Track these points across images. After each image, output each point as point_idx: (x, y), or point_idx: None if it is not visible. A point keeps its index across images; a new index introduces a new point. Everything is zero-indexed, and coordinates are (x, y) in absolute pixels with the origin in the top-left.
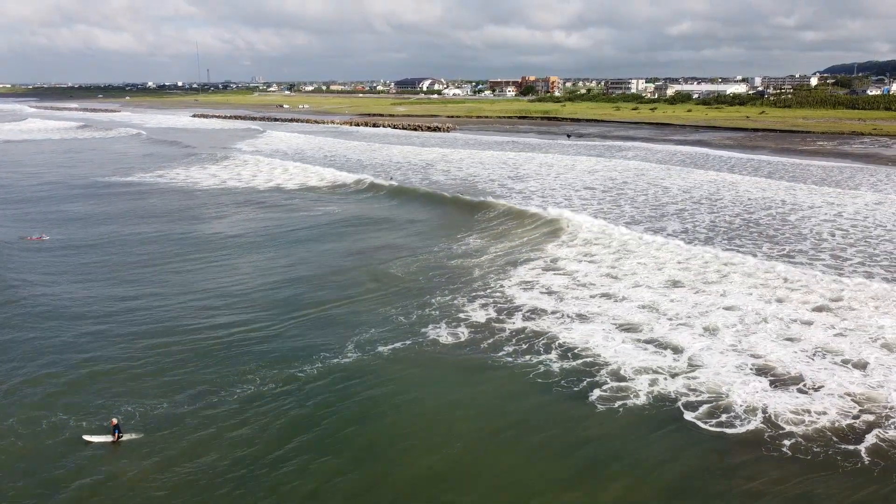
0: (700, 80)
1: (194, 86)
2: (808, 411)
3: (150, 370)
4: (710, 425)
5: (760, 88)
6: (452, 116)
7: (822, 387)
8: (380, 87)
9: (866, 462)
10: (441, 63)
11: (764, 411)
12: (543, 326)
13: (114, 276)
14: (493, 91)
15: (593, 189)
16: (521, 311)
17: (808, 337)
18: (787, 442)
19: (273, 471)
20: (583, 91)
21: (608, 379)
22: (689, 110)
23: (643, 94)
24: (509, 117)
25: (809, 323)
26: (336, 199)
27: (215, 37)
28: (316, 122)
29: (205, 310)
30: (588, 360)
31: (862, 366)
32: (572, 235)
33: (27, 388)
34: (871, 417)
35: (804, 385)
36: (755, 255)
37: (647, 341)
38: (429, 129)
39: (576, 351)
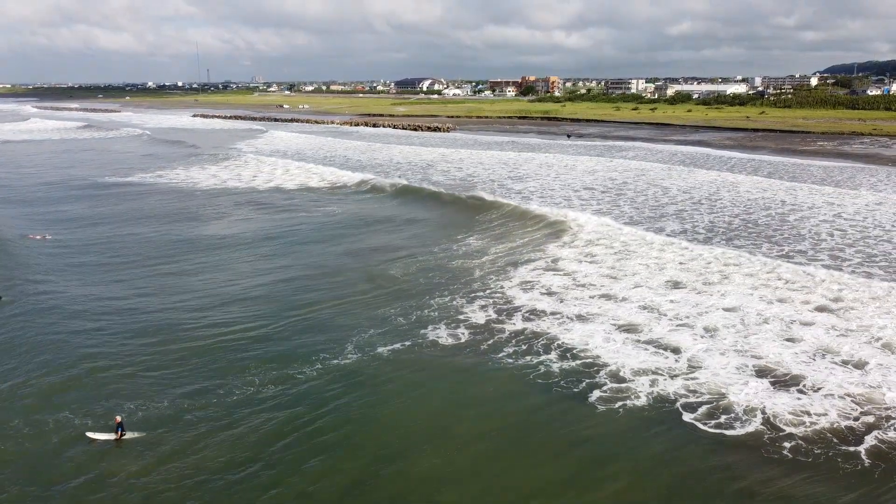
0: (700, 80)
1: (194, 86)
2: (808, 412)
3: (151, 369)
4: (710, 426)
5: (760, 88)
6: (452, 116)
7: (822, 388)
8: (380, 88)
9: (867, 464)
10: (441, 63)
11: (764, 412)
12: (543, 327)
13: (116, 276)
14: (493, 91)
15: (593, 189)
16: (520, 311)
17: (809, 337)
18: (786, 443)
19: (272, 470)
20: (583, 91)
21: (607, 380)
22: (689, 110)
23: (643, 95)
24: (509, 117)
25: (809, 323)
26: (336, 200)
27: (215, 37)
28: (316, 122)
29: (205, 309)
30: (587, 360)
31: (862, 366)
32: (574, 235)
33: (30, 384)
34: (870, 419)
35: (804, 386)
36: (755, 256)
37: (648, 342)
38: (429, 129)
39: (574, 351)
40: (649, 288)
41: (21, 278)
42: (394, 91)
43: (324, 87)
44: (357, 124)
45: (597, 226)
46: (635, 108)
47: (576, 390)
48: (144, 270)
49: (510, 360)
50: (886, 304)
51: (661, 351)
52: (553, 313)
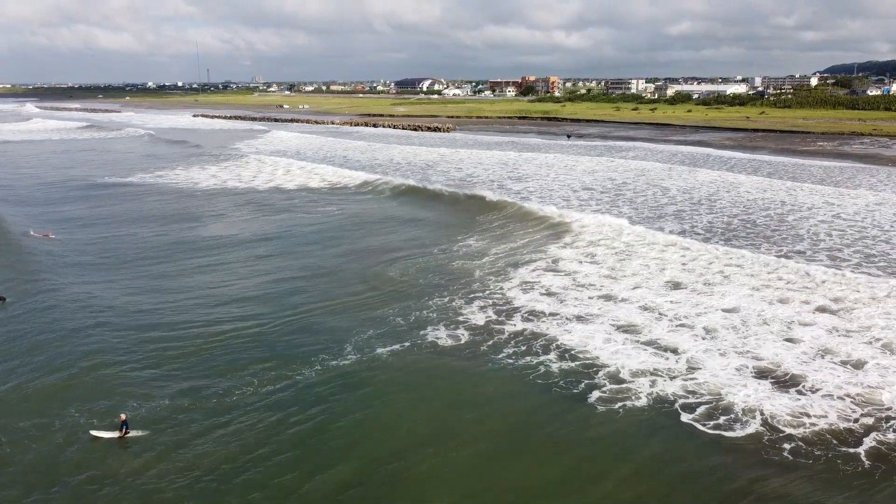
0: (700, 81)
1: (194, 86)
2: (808, 414)
3: (152, 368)
4: (709, 427)
5: (760, 88)
6: (452, 117)
7: (822, 389)
8: (380, 88)
9: (866, 465)
10: (441, 63)
11: (763, 413)
12: (543, 328)
13: (118, 275)
14: (493, 91)
15: (592, 189)
16: (519, 312)
17: (809, 338)
18: (786, 445)
19: (273, 470)
20: (583, 91)
21: (606, 381)
22: (689, 110)
23: (643, 95)
24: (509, 118)
25: (809, 324)
26: (336, 200)
27: (215, 37)
28: (316, 122)
29: (205, 308)
30: (586, 361)
31: (861, 367)
32: (575, 236)
33: (34, 383)
34: (870, 420)
35: (804, 387)
36: (756, 257)
37: (647, 343)
38: (429, 129)
39: (573, 352)
40: (649, 289)
41: (23, 277)
42: (394, 91)
43: (324, 88)
44: (357, 124)
45: (598, 226)
46: (635, 109)
47: (575, 391)
48: (146, 270)
49: (510, 361)
50: (887, 306)
51: (660, 352)
52: (552, 314)
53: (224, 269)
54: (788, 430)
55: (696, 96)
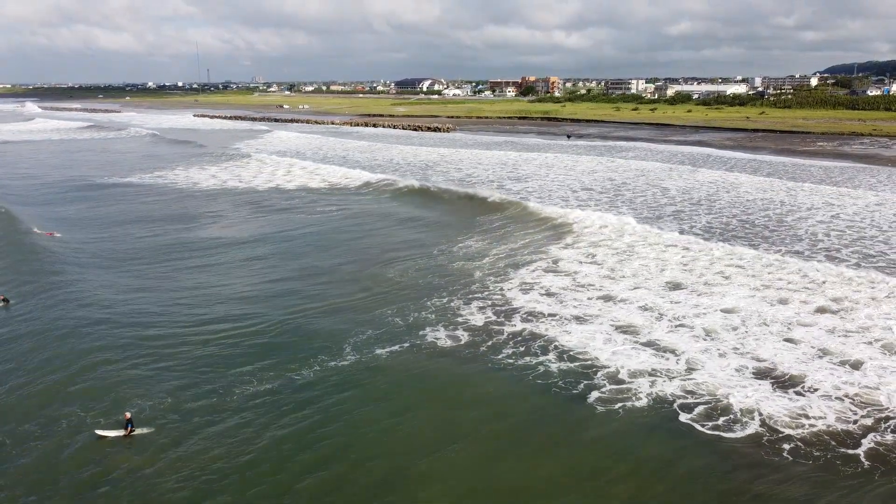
0: (700, 81)
1: (194, 86)
2: (807, 415)
3: (154, 366)
4: (708, 428)
5: (760, 89)
6: (452, 117)
7: (821, 390)
8: (380, 88)
9: (866, 466)
10: (441, 63)
11: (762, 414)
12: (542, 329)
13: (119, 274)
14: (494, 91)
15: (591, 190)
16: (518, 313)
17: (808, 339)
18: (785, 445)
19: (273, 469)
20: (583, 91)
21: (606, 382)
22: (689, 111)
23: (643, 95)
24: (509, 118)
25: (809, 325)
26: (336, 200)
27: (215, 37)
28: (316, 122)
29: (205, 308)
30: (586, 362)
31: (860, 367)
32: (576, 236)
33: (39, 382)
34: (869, 421)
35: (803, 388)
36: (757, 257)
37: (647, 343)
38: (429, 129)
39: (572, 353)
40: (648, 289)
41: (27, 276)
42: (394, 91)
43: (324, 88)
44: (357, 124)
45: (599, 227)
46: (635, 109)
47: (574, 391)
48: (147, 269)
49: (510, 362)
50: (887, 306)
51: (660, 352)
52: (552, 315)
53: (224, 268)
54: (787, 431)
55: (696, 96)
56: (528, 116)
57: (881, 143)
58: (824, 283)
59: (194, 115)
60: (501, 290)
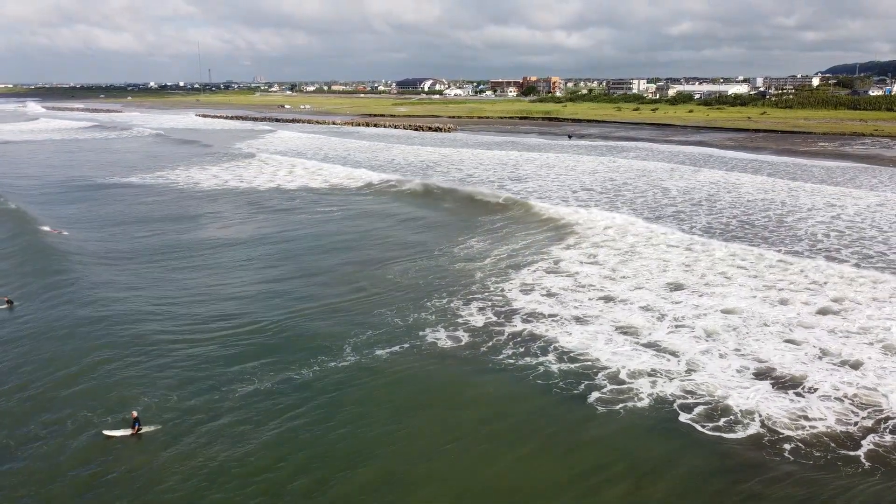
0: (701, 81)
1: (196, 86)
2: (807, 416)
3: (157, 364)
4: (709, 429)
5: (762, 89)
6: (454, 117)
7: (822, 390)
8: (381, 88)
9: (866, 466)
10: (441, 63)
11: (763, 415)
12: (542, 329)
13: (120, 274)
14: (495, 91)
15: (592, 190)
16: (518, 314)
17: (809, 339)
18: (785, 446)
19: (273, 468)
20: (584, 91)
21: (606, 383)
22: (691, 111)
23: (644, 95)
24: (510, 118)
25: (809, 326)
26: (337, 200)
27: (216, 37)
28: (318, 122)
29: (206, 307)
30: (586, 363)
31: (860, 368)
32: (578, 237)
33: (43, 382)
34: (869, 422)
35: (804, 388)
36: (758, 257)
37: (648, 344)
38: (430, 129)
39: (573, 354)
40: (649, 290)
41: (30, 275)
42: (395, 91)
43: (325, 88)
44: (358, 124)
45: (602, 228)
46: (636, 109)
47: (575, 392)
48: (148, 269)
49: (510, 362)
50: (887, 307)
51: (660, 353)
52: (552, 315)
53: (226, 268)
54: (787, 432)
55: (697, 96)
56: (530, 116)
57: (882, 143)
58: (825, 283)
59: (196, 115)
60: (502, 290)
